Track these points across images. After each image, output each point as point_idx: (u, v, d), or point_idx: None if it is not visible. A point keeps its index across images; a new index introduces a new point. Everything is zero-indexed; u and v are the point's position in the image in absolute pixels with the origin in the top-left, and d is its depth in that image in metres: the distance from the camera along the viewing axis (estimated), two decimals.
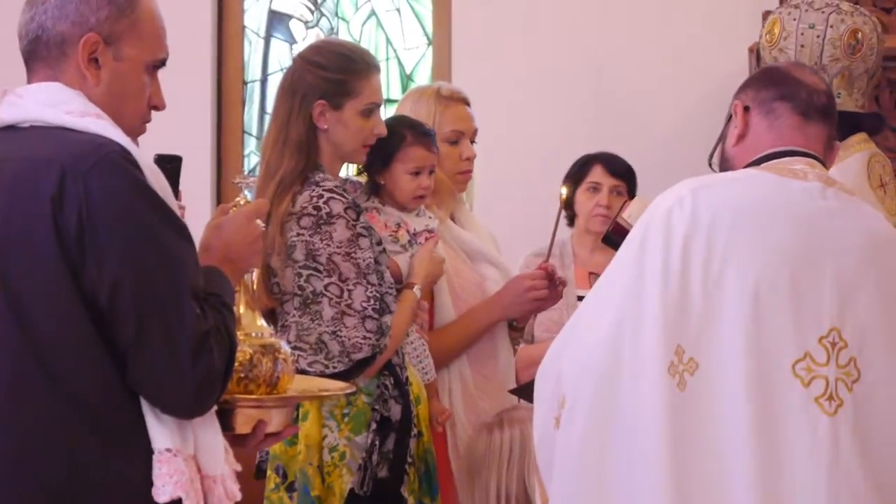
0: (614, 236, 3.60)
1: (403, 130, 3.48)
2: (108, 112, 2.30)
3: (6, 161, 2.27)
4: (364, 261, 3.25)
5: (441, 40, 5.63)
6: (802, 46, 3.24)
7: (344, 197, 3.28)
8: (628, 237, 2.62)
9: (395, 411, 3.29)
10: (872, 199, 3.17)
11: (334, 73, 3.34)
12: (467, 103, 3.74)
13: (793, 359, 2.46)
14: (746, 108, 2.72)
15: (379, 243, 3.34)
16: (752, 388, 2.43)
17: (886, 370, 2.50)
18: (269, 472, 3.34)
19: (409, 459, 3.29)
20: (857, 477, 2.44)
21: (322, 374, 3.18)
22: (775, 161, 2.65)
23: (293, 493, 3.30)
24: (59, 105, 2.29)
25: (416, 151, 3.48)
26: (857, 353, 2.48)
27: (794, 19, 3.37)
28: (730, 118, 2.76)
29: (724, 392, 2.44)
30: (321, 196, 3.26)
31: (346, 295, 3.23)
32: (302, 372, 3.17)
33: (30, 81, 2.38)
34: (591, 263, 4.32)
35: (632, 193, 4.36)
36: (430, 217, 3.55)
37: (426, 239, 3.51)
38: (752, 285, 2.46)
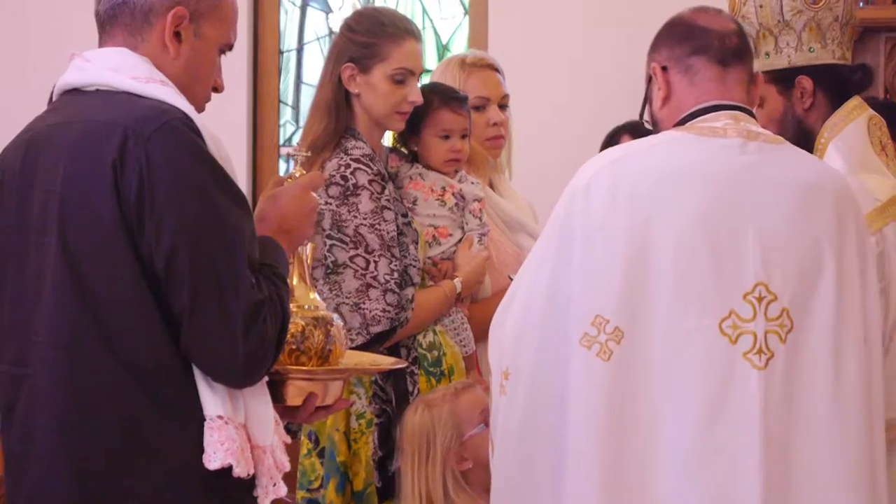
0: None
1: (431, 96, 3.48)
2: (179, 87, 2.32)
3: (70, 123, 2.29)
4: (388, 233, 3.25)
5: (477, 10, 5.61)
6: (761, 7, 3.13)
7: (369, 168, 3.29)
8: (555, 208, 2.61)
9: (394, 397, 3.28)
10: (879, 165, 3.07)
11: (362, 35, 3.35)
12: (495, 69, 3.72)
13: (719, 317, 2.47)
14: (664, 69, 2.70)
15: (405, 215, 3.34)
16: (680, 350, 2.45)
17: (821, 314, 2.50)
18: (302, 438, 3.36)
19: None
20: (785, 421, 2.46)
21: None
22: (699, 119, 2.63)
23: (324, 458, 3.31)
24: (124, 70, 2.31)
25: (442, 115, 3.48)
26: (788, 304, 2.49)
27: None
28: (650, 79, 2.74)
29: (652, 358, 2.46)
30: (348, 166, 3.27)
31: (371, 266, 3.23)
32: None
33: (102, 45, 2.39)
34: None
35: None
36: (472, 182, 3.55)
37: (480, 209, 3.50)
38: (671, 251, 2.47)
